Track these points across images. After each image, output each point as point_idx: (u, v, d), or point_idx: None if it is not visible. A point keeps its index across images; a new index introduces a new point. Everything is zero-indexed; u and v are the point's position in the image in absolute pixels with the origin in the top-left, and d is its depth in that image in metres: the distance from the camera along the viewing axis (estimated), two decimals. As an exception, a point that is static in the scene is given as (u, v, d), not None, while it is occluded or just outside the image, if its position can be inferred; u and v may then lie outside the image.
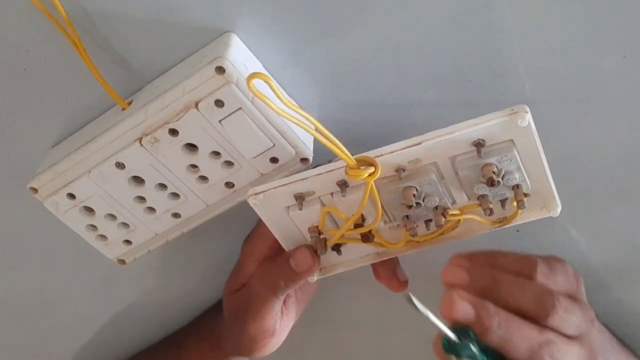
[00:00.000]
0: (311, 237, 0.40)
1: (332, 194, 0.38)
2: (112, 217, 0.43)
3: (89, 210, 0.42)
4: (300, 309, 0.47)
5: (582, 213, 0.47)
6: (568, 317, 0.37)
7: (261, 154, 0.39)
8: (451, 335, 0.34)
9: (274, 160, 0.40)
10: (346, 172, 0.34)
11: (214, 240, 0.51)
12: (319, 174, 0.37)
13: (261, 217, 0.39)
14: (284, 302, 0.44)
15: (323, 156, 0.40)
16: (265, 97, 0.30)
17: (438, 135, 0.35)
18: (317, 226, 0.39)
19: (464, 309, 0.35)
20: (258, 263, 0.44)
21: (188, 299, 0.56)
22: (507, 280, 0.37)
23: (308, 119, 0.32)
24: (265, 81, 0.30)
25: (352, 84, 0.42)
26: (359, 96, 0.42)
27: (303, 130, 0.40)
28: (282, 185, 0.38)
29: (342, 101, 0.43)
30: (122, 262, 0.46)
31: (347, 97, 0.43)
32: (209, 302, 0.56)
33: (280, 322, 0.44)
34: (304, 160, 0.40)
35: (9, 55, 0.40)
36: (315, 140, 0.42)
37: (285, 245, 0.41)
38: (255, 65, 0.40)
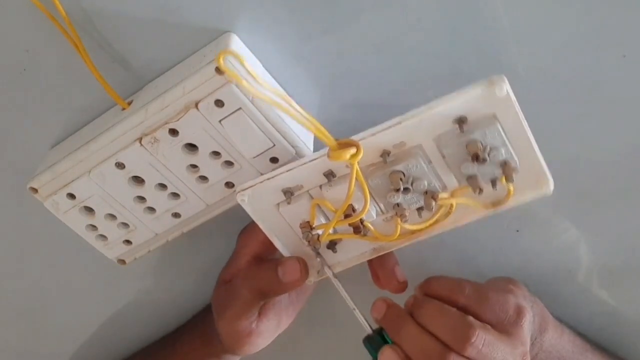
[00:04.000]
0: (303, 233, 0.39)
1: (320, 186, 0.38)
2: (112, 217, 0.43)
3: (89, 210, 0.42)
4: (296, 309, 0.47)
5: (582, 213, 0.47)
6: (488, 352, 0.38)
7: (261, 154, 0.39)
8: (366, 325, 0.40)
9: (274, 160, 0.40)
10: (328, 155, 0.34)
11: (213, 240, 0.51)
12: (304, 164, 0.37)
13: (252, 216, 0.39)
14: (263, 304, 0.44)
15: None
16: (239, 76, 0.29)
17: (418, 113, 0.34)
18: (308, 221, 0.39)
19: (379, 306, 0.41)
20: (250, 257, 0.44)
21: (188, 299, 0.56)
22: (427, 305, 0.40)
23: (284, 99, 0.31)
24: (236, 58, 0.29)
25: (352, 84, 0.42)
26: (359, 96, 0.42)
27: (303, 130, 0.40)
28: (269, 179, 0.38)
29: (342, 101, 0.43)
30: (122, 262, 0.46)
31: (347, 97, 0.43)
32: (208, 301, 0.56)
33: (257, 323, 0.43)
34: (304, 160, 0.40)
35: (9, 55, 0.40)
36: (315, 141, 0.42)
37: (278, 245, 0.41)
38: (255, 65, 0.40)
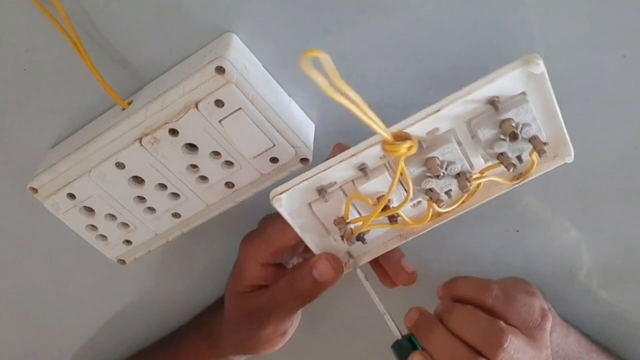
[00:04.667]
0: (339, 229, 0.39)
1: (353, 181, 0.37)
2: (112, 217, 0.43)
3: (89, 210, 0.42)
4: None
5: (582, 213, 0.47)
6: (519, 357, 0.38)
7: (261, 153, 0.39)
8: (395, 330, 0.39)
9: (274, 160, 0.40)
10: (385, 149, 0.34)
11: (214, 240, 0.51)
12: (342, 161, 0.36)
13: (287, 219, 0.38)
14: None
15: (323, 156, 0.40)
16: (317, 75, 0.29)
17: (455, 98, 0.34)
18: (342, 217, 0.38)
19: (412, 315, 0.40)
20: (260, 267, 0.43)
21: (188, 299, 0.56)
22: (456, 310, 0.39)
23: (351, 99, 0.31)
24: (320, 58, 0.29)
25: (352, 84, 0.42)
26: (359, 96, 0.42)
27: (303, 130, 0.40)
28: (306, 180, 0.36)
29: (342, 101, 0.43)
30: (122, 262, 0.46)
31: (347, 97, 0.42)
32: (208, 301, 0.56)
33: (292, 323, 0.44)
34: (303, 160, 0.40)
35: (9, 55, 0.40)
36: (315, 140, 0.42)
37: (310, 243, 0.40)
38: (255, 65, 0.40)
